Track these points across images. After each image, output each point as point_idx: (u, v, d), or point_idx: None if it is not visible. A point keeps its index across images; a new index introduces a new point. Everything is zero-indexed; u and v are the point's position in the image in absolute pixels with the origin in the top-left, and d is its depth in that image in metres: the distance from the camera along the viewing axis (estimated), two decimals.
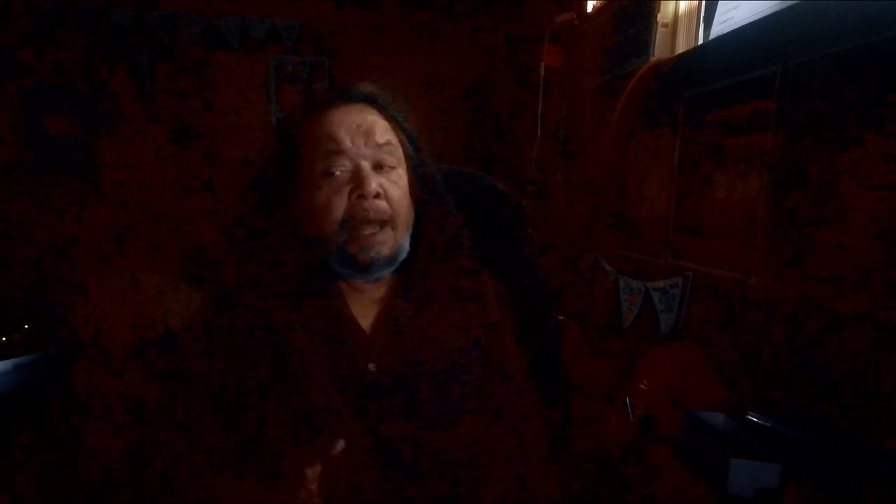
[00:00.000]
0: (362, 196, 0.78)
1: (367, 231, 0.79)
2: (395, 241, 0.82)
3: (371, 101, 0.84)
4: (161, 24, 3.06)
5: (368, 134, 0.80)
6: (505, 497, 0.84)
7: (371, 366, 0.80)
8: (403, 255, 0.84)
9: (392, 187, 0.81)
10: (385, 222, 0.80)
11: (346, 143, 0.79)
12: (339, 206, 0.78)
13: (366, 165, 0.79)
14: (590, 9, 2.37)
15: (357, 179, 0.78)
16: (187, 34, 3.09)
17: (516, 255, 1.07)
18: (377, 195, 0.79)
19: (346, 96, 0.83)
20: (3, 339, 2.24)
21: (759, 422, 1.15)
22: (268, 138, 0.86)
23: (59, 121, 3.01)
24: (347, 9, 3.30)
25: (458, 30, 3.42)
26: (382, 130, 0.82)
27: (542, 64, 2.47)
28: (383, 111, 0.84)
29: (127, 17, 3.02)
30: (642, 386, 1.48)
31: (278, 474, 0.77)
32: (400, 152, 0.84)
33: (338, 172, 0.79)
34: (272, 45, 3.24)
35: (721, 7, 1.61)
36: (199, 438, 0.78)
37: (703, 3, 1.76)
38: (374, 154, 0.80)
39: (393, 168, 0.82)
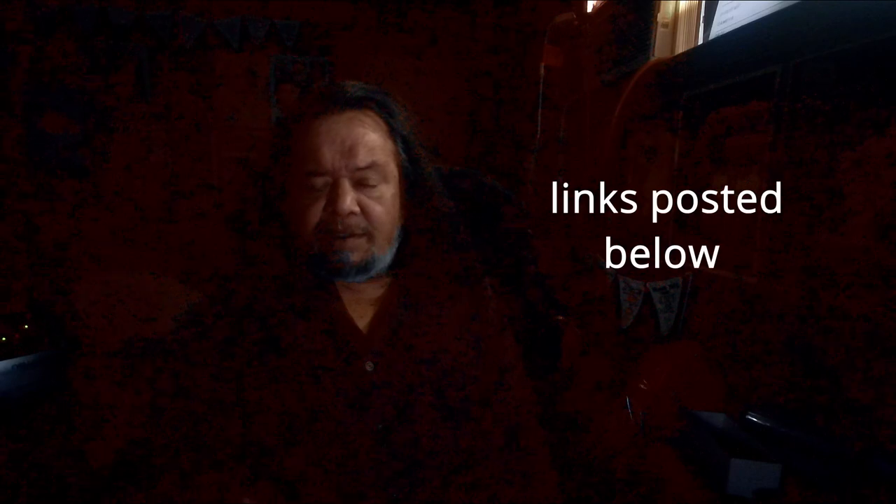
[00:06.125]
0: (335, 213, 0.77)
1: (338, 238, 0.79)
2: (366, 252, 0.80)
3: (366, 106, 0.81)
4: (161, 24, 3.06)
5: (352, 153, 0.78)
6: (504, 496, 0.84)
7: (368, 365, 0.80)
8: (381, 265, 0.83)
9: (372, 204, 0.80)
10: (359, 234, 0.80)
11: (327, 163, 0.77)
12: (315, 215, 0.78)
13: (344, 182, 0.78)
14: (590, 9, 2.37)
15: (333, 195, 0.78)
16: (187, 34, 3.09)
17: (516, 255, 1.07)
18: (352, 213, 0.78)
19: (337, 102, 0.80)
20: (3, 339, 2.24)
21: (759, 422, 1.15)
22: (265, 139, 0.86)
23: (59, 121, 3.01)
24: (347, 9, 3.30)
25: (459, 30, 3.42)
26: (368, 149, 0.79)
27: (542, 64, 2.47)
28: (378, 117, 0.82)
29: (127, 17, 3.02)
30: (642, 386, 1.47)
31: (276, 474, 0.77)
32: (388, 168, 0.81)
33: (318, 184, 0.78)
34: (272, 45, 3.24)
35: (721, 7, 1.61)
36: (197, 439, 0.78)
37: (703, 3, 1.76)
38: (356, 174, 0.79)
39: (375, 186, 0.80)
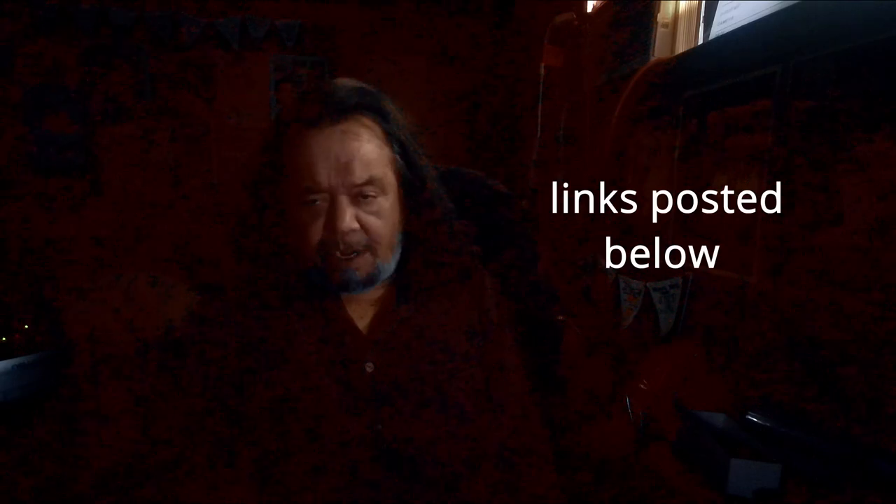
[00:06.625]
0: (335, 232, 0.77)
1: (343, 256, 0.78)
2: (372, 265, 0.80)
3: (360, 113, 0.79)
4: (161, 24, 3.06)
5: (348, 170, 0.76)
6: (504, 497, 0.84)
7: (368, 366, 0.80)
8: (385, 275, 0.83)
9: (371, 218, 0.79)
10: (362, 250, 0.79)
11: (324, 181, 0.76)
12: (316, 233, 0.78)
13: (342, 200, 0.77)
14: (590, 9, 2.37)
15: (332, 214, 0.77)
16: (187, 34, 3.09)
17: (516, 255, 1.07)
18: (352, 230, 0.77)
19: (330, 111, 0.78)
20: (3, 339, 2.24)
21: (759, 422, 1.15)
22: (259, 144, 0.84)
23: (59, 121, 3.01)
24: (347, 9, 3.30)
25: (459, 30, 3.42)
26: (364, 164, 0.77)
27: (542, 64, 2.47)
28: (373, 122, 0.80)
29: (127, 16, 3.02)
30: (642, 386, 1.47)
31: (275, 475, 0.77)
32: (387, 179, 0.80)
33: (316, 202, 0.77)
34: (272, 45, 3.24)
35: (721, 7, 1.61)
36: (196, 440, 0.78)
37: (703, 3, 1.76)
38: (353, 190, 0.78)
39: (374, 197, 0.79)
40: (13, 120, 2.97)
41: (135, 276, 2.74)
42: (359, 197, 0.78)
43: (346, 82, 0.83)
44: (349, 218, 0.77)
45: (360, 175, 0.77)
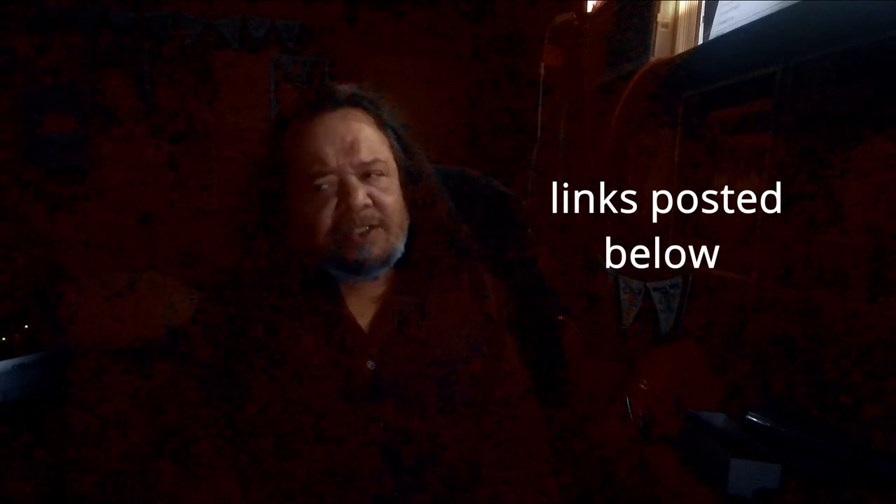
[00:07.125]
0: (350, 209, 0.77)
1: (357, 232, 0.79)
2: (386, 242, 0.81)
3: (356, 104, 0.82)
4: (161, 24, 3.06)
5: (354, 149, 0.78)
6: (504, 496, 0.84)
7: (370, 364, 0.80)
8: (397, 255, 0.84)
9: (382, 194, 0.80)
10: (375, 225, 0.80)
11: (332, 162, 0.77)
12: (327, 217, 0.78)
13: (353, 179, 0.78)
14: (590, 9, 2.37)
15: (344, 193, 0.78)
16: (187, 34, 3.09)
17: (516, 255, 1.07)
18: (366, 205, 0.78)
19: (329, 101, 0.81)
20: (3, 339, 2.24)
21: (759, 422, 1.15)
22: (258, 143, 0.85)
23: (59, 121, 3.01)
24: (347, 9, 3.30)
25: (458, 30, 3.42)
26: (369, 144, 0.80)
27: (542, 64, 2.47)
28: (369, 113, 0.83)
29: (127, 17, 3.02)
30: (642, 386, 1.47)
31: (277, 475, 0.77)
32: (389, 162, 0.82)
33: (324, 186, 0.78)
34: (272, 45, 3.24)
35: (721, 7, 1.61)
36: (197, 440, 0.78)
37: (703, 3, 1.76)
38: (360, 169, 0.79)
39: (381, 175, 0.81)
40: (13, 120, 2.96)
41: (135, 276, 2.74)
42: (366, 176, 0.80)
43: (340, 84, 0.85)
44: (362, 194, 0.78)
45: (366, 153, 0.79)
